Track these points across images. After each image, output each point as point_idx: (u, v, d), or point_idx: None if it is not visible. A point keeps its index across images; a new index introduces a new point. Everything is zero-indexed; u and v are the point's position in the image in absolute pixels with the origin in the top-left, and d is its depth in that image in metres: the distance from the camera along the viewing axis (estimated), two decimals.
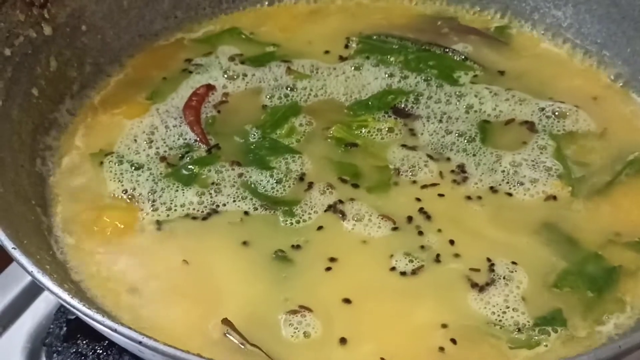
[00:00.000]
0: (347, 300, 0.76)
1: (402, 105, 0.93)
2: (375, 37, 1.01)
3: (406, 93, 0.94)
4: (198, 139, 0.90)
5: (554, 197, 0.84)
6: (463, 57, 0.98)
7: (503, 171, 0.86)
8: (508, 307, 0.75)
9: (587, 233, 0.81)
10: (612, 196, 0.84)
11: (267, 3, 1.08)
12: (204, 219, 0.83)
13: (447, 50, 0.99)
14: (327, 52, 1.00)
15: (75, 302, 0.67)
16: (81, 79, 0.96)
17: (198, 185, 0.85)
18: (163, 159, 0.88)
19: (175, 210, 0.83)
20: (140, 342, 0.65)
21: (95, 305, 0.74)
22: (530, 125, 0.90)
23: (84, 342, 0.85)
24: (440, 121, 0.91)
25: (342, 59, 0.99)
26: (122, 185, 0.86)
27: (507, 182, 0.85)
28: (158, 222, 0.82)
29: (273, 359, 0.72)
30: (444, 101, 0.93)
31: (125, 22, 1.00)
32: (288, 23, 1.06)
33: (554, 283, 0.77)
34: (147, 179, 0.86)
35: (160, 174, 0.86)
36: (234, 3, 1.07)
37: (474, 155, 0.88)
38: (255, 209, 0.83)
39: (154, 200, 0.84)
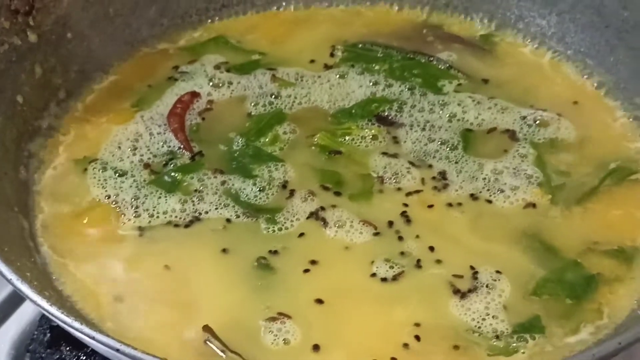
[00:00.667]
0: (326, 306, 0.76)
1: (386, 114, 0.93)
2: (360, 46, 1.02)
3: (390, 101, 0.94)
4: (182, 146, 0.90)
5: (534, 205, 0.84)
6: (447, 65, 0.98)
7: (484, 179, 0.86)
8: (488, 314, 0.75)
9: (566, 241, 0.81)
10: (591, 205, 0.84)
11: (253, 11, 1.08)
12: (186, 226, 0.83)
13: (432, 58, 0.99)
14: (312, 61, 1.00)
15: (53, 309, 0.67)
16: (66, 86, 0.96)
17: (181, 192, 0.85)
18: (147, 165, 0.88)
19: (158, 217, 0.84)
20: (117, 350, 0.65)
21: (75, 313, 0.74)
22: (511, 134, 0.90)
23: (67, 349, 0.85)
24: (424, 129, 0.91)
25: (327, 67, 1.00)
26: (106, 191, 0.86)
27: (488, 190, 0.85)
28: (140, 229, 0.83)
29: None
30: (428, 110, 0.93)
31: (111, 29, 1.01)
32: (274, 32, 1.06)
33: (533, 290, 0.77)
34: (130, 186, 0.86)
35: (144, 180, 0.87)
36: (221, 11, 1.07)
37: (456, 162, 0.88)
38: (238, 216, 0.83)
39: (136, 207, 0.84)
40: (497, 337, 0.73)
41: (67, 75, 0.96)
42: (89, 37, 0.99)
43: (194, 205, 0.84)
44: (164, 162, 0.89)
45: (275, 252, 0.80)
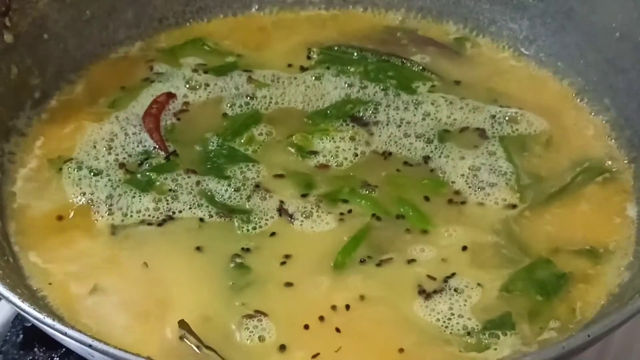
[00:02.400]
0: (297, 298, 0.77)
1: (361, 114, 0.94)
2: (336, 48, 1.03)
3: (365, 102, 0.95)
4: (157, 146, 0.91)
5: (505, 203, 0.85)
6: (421, 67, 1.00)
7: (462, 175, 0.87)
8: (453, 315, 0.75)
9: (536, 239, 0.82)
10: (561, 203, 0.85)
11: (230, 15, 1.09)
12: (159, 225, 0.83)
13: (406, 61, 1.00)
14: (290, 65, 1.01)
15: (25, 306, 0.67)
16: (42, 86, 0.96)
17: (155, 192, 0.86)
18: (122, 165, 0.89)
19: (131, 216, 0.84)
20: (90, 345, 0.65)
21: (48, 311, 0.74)
22: (481, 132, 0.92)
23: (41, 350, 0.85)
24: (399, 126, 0.92)
25: (303, 69, 1.00)
26: (81, 190, 0.86)
27: (468, 186, 0.86)
28: (113, 227, 0.83)
29: None
30: (402, 108, 0.94)
31: (88, 31, 1.01)
32: (251, 35, 1.07)
33: (504, 287, 0.78)
34: (105, 185, 0.87)
35: (119, 180, 0.87)
36: (198, 14, 1.08)
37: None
38: (211, 216, 0.84)
39: (110, 205, 0.85)
40: (469, 333, 0.74)
41: (43, 75, 0.96)
42: (66, 39, 0.99)
43: (167, 204, 0.85)
44: (139, 162, 0.89)
45: (253, 252, 0.80)
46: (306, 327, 0.74)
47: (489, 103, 0.95)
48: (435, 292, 0.77)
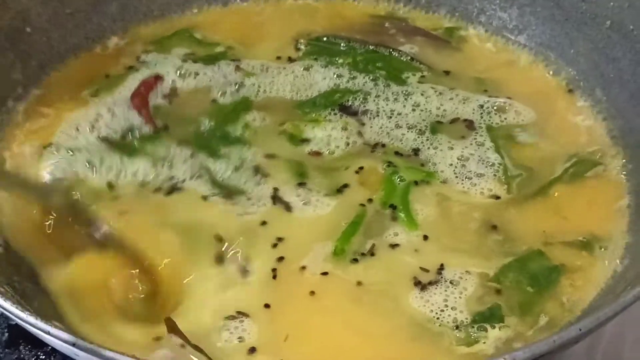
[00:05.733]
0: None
1: (350, 104, 0.93)
2: (324, 39, 1.02)
3: (354, 92, 0.94)
4: (144, 120, 0.89)
5: (493, 195, 0.84)
6: (410, 57, 0.99)
7: (450, 164, 0.86)
8: (447, 306, 0.75)
9: (526, 231, 0.81)
10: (553, 196, 0.84)
11: (217, 5, 1.07)
12: (165, 193, 0.83)
13: (394, 51, 0.99)
14: (278, 57, 1.00)
15: (7, 304, 0.66)
16: (25, 82, 0.94)
17: (147, 156, 0.85)
18: (104, 139, 0.87)
19: (126, 177, 0.84)
20: (74, 344, 0.63)
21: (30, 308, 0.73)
22: (469, 123, 0.91)
23: (26, 348, 0.84)
24: (390, 117, 0.91)
25: (291, 60, 0.99)
26: (63, 170, 0.85)
27: (457, 177, 0.85)
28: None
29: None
30: (392, 99, 0.93)
31: (72, 24, 0.99)
32: (239, 26, 1.05)
33: (494, 277, 0.77)
34: (84, 156, 0.85)
35: (98, 150, 0.86)
36: (183, 6, 1.06)
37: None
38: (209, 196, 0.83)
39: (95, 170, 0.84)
40: (457, 327, 0.73)
41: (26, 70, 0.95)
42: (49, 32, 0.97)
43: (165, 169, 0.84)
44: (122, 135, 0.88)
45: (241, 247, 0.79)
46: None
47: (479, 93, 0.94)
48: (430, 283, 0.76)
